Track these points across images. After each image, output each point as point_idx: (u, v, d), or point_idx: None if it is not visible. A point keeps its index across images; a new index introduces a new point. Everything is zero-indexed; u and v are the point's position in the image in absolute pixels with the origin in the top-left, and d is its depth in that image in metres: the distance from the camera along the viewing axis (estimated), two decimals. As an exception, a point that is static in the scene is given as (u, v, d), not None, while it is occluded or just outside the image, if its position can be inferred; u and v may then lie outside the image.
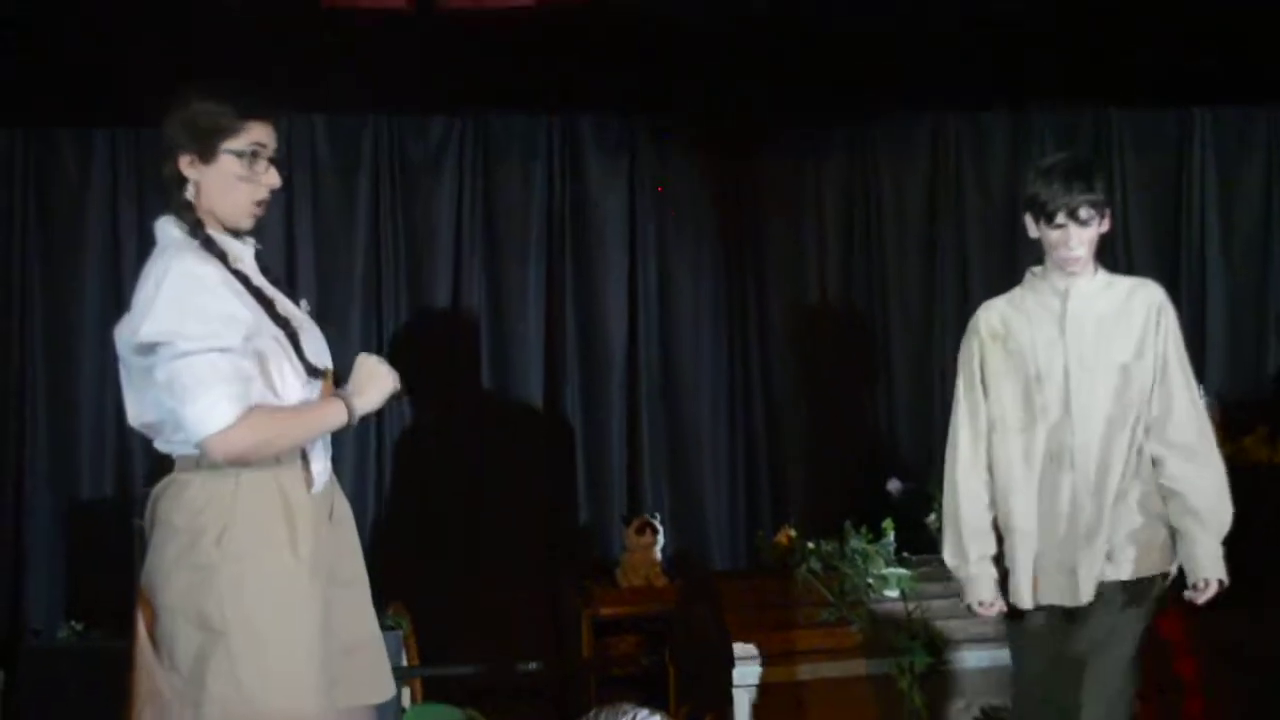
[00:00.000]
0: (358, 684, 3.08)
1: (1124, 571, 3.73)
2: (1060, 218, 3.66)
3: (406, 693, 5.04)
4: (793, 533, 5.45)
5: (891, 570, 5.14)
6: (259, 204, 2.95)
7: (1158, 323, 3.77)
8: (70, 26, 4.88)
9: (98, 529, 5.88)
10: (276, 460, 2.90)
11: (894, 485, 6.13)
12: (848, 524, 5.31)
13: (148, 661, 2.90)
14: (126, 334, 2.83)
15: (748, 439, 6.50)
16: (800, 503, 6.36)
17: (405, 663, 5.17)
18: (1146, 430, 3.76)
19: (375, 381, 3.02)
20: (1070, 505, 3.75)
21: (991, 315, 3.92)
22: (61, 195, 6.08)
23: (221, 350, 2.76)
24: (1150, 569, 3.77)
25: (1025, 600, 3.81)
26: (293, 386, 2.92)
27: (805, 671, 4.87)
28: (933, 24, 5.24)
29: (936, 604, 5.06)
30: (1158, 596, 3.81)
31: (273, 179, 2.94)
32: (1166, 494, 3.76)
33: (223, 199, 2.91)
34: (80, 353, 6.06)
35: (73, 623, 5.51)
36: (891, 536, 5.29)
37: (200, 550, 2.84)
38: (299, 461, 2.96)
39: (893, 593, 5.09)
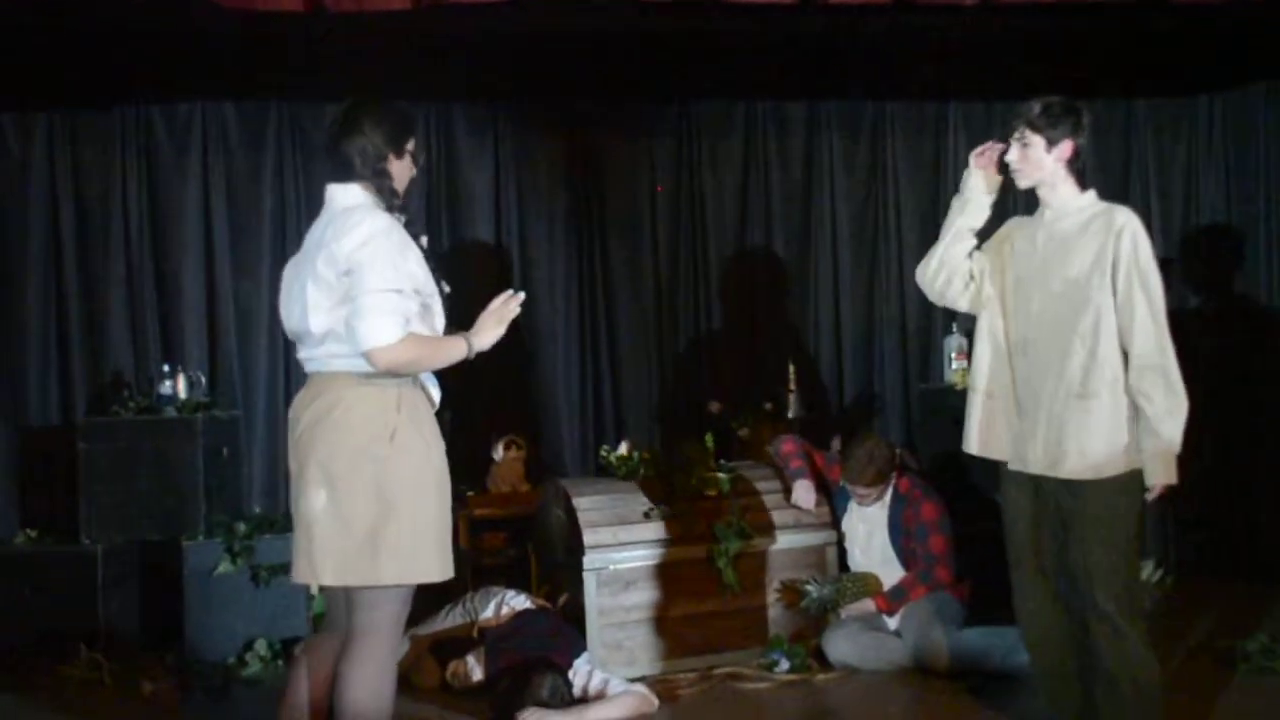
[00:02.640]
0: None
1: (1087, 469, 3.56)
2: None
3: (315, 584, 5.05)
4: (631, 447, 5.43)
5: (711, 474, 5.13)
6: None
7: (1117, 244, 3.55)
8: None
9: (45, 451, 5.89)
10: (414, 381, 3.26)
11: (714, 406, 6.26)
12: (678, 438, 5.40)
13: (325, 529, 3.18)
14: (340, 259, 3.15)
15: (595, 371, 6.59)
16: (638, 422, 6.50)
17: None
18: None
19: (492, 327, 3.37)
20: (1026, 388, 3.68)
21: (1008, 224, 3.87)
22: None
23: (397, 292, 3.12)
24: (1116, 468, 3.55)
25: (972, 447, 3.79)
26: (440, 329, 3.31)
27: (641, 557, 4.87)
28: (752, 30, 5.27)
29: (747, 500, 5.12)
30: (1132, 490, 3.57)
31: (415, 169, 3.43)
32: (1134, 397, 3.54)
33: (402, 182, 3.33)
34: (26, 303, 6.01)
35: (27, 531, 5.51)
36: (712, 447, 5.28)
37: (378, 446, 3.16)
38: (422, 387, 3.30)
39: (712, 492, 5.08)
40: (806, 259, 6.78)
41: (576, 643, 4.68)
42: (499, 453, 5.97)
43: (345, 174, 3.29)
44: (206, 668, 5.05)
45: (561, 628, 4.75)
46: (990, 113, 6.60)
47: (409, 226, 3.34)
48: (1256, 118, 6.43)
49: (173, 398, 5.60)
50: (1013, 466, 3.75)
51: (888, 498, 5.07)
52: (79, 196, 6.09)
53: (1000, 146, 3.76)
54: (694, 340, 6.68)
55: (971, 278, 3.87)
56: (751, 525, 5.04)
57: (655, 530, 4.95)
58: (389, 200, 3.28)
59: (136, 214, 6.15)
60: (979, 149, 3.84)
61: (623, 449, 5.35)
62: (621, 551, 4.87)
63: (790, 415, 6.10)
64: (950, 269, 3.88)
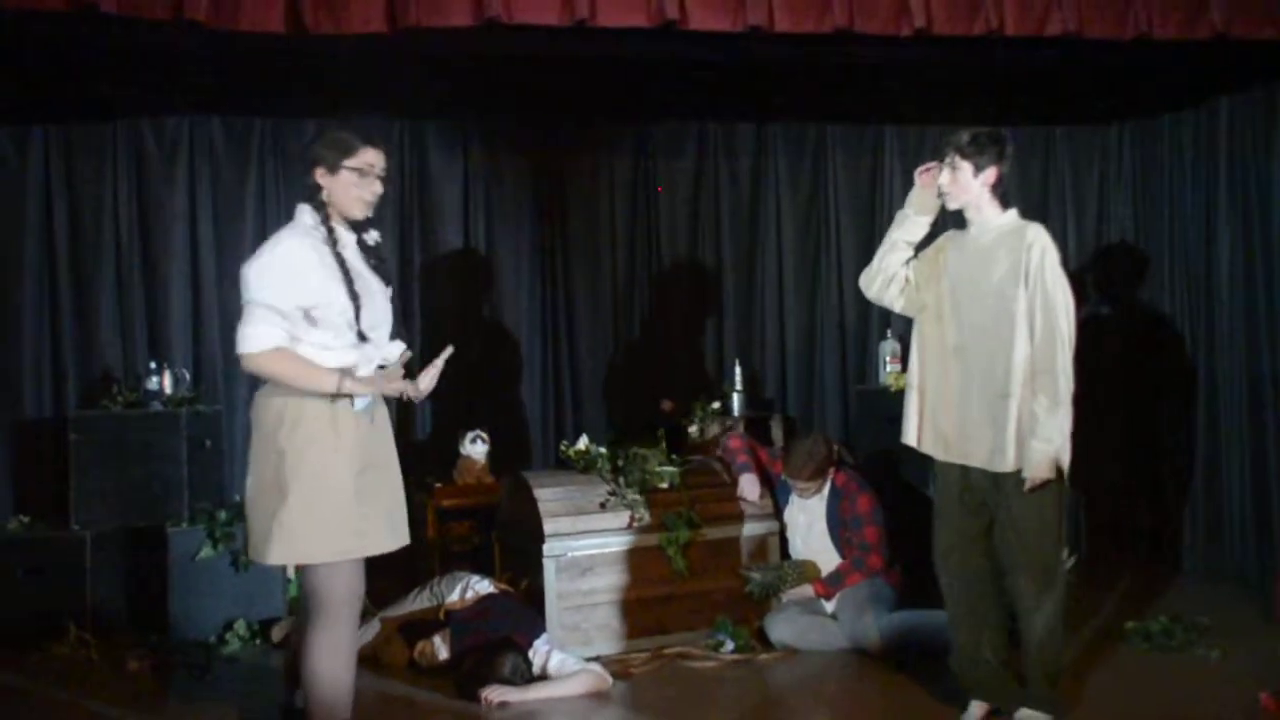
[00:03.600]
0: (386, 535, 3.44)
1: (1010, 462, 3.63)
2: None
3: (291, 567, 5.02)
4: (588, 442, 5.36)
5: (663, 468, 5.12)
6: (368, 203, 3.42)
7: (1027, 257, 3.62)
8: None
9: (38, 442, 5.86)
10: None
11: (666, 404, 6.27)
12: (632, 435, 5.37)
13: (250, 513, 3.39)
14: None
15: (556, 371, 6.59)
16: (595, 418, 6.51)
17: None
18: None
19: (378, 382, 3.39)
20: (961, 389, 3.75)
21: (944, 236, 3.94)
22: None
23: (271, 308, 3.18)
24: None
25: (909, 439, 3.89)
26: (344, 342, 3.32)
27: (597, 545, 4.88)
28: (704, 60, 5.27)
29: (697, 492, 5.13)
30: (1050, 483, 3.62)
31: (376, 188, 3.41)
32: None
33: (338, 195, 3.35)
34: (21, 303, 5.95)
35: (21, 516, 5.47)
36: (664, 443, 5.27)
37: (278, 440, 3.29)
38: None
39: (664, 484, 5.09)
40: (753, 270, 6.83)
41: (536, 624, 4.69)
42: (465, 446, 5.94)
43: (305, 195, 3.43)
44: (189, 646, 5.05)
45: (522, 610, 4.75)
46: (923, 136, 6.67)
47: (363, 242, 3.42)
48: (1160, 145, 6.55)
49: (159, 393, 5.61)
50: (947, 459, 3.83)
51: (826, 491, 5.10)
52: (72, 204, 6.05)
53: (941, 166, 3.83)
54: (648, 343, 6.70)
55: (907, 282, 3.95)
56: (700, 515, 5.07)
57: (610, 520, 4.96)
58: (322, 214, 3.38)
59: (126, 221, 6.12)
60: (922, 167, 3.92)
61: (581, 444, 5.34)
62: (579, 539, 4.89)
63: (736, 414, 6.12)
64: (887, 275, 3.98)
